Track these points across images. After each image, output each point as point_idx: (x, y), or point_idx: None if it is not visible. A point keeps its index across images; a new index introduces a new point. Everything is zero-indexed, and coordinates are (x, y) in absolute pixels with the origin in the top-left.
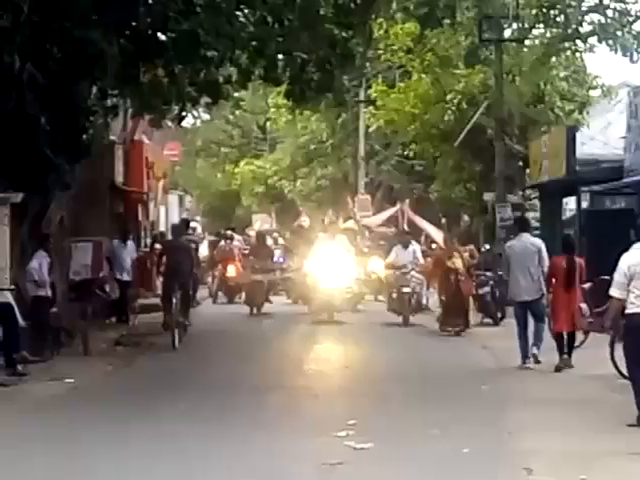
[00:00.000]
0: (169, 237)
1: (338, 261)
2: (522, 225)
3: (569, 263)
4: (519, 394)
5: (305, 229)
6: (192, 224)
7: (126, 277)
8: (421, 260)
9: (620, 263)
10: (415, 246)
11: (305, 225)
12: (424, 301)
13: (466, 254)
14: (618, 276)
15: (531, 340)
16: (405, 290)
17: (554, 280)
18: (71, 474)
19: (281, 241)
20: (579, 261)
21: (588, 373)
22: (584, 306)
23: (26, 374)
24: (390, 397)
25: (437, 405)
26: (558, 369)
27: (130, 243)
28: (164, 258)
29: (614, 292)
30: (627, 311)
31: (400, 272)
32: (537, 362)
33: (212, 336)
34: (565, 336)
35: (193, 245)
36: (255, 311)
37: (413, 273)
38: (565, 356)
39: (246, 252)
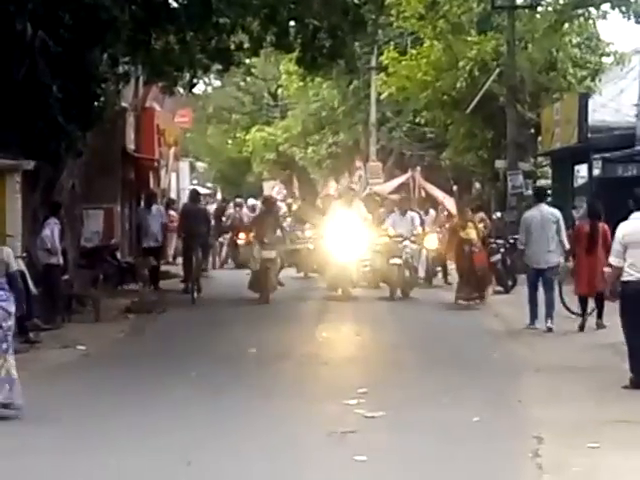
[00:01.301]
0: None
1: (354, 231)
2: (540, 195)
3: (592, 228)
4: (530, 362)
5: (333, 198)
6: (214, 191)
7: (153, 244)
8: (418, 229)
9: (617, 232)
10: (414, 214)
11: (334, 194)
12: (421, 273)
13: (480, 224)
14: (615, 244)
15: (543, 309)
16: (395, 261)
17: (577, 245)
18: (81, 441)
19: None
20: (603, 226)
21: (600, 341)
22: (607, 270)
23: (38, 341)
24: (401, 365)
25: (448, 373)
26: (581, 329)
27: (155, 208)
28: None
29: (612, 260)
30: (622, 279)
31: (392, 241)
32: (550, 330)
33: (223, 303)
34: (592, 302)
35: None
36: (265, 299)
37: (407, 243)
38: (597, 319)
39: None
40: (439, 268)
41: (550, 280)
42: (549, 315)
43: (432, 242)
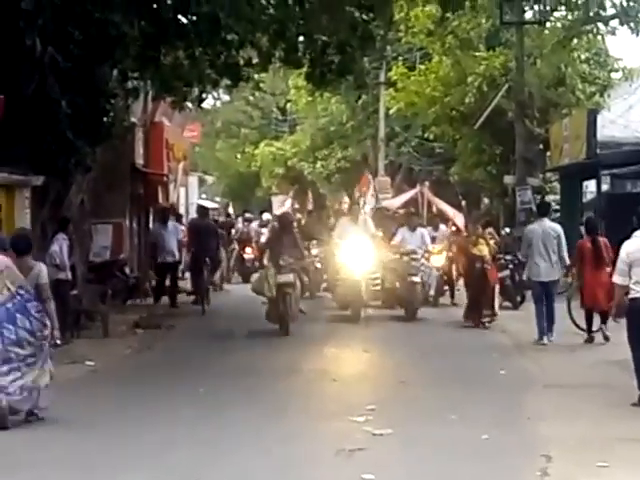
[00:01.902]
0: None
1: (363, 248)
2: (542, 209)
3: (594, 243)
4: (538, 378)
5: (342, 213)
6: (223, 205)
7: (170, 259)
8: (430, 246)
9: (621, 251)
10: (423, 230)
11: (343, 209)
12: (432, 292)
13: (492, 240)
14: (619, 263)
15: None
16: (414, 279)
17: (581, 261)
18: (88, 456)
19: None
20: (603, 240)
21: (608, 357)
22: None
23: None
24: (408, 382)
25: (456, 390)
26: (589, 341)
27: (171, 224)
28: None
29: (616, 279)
30: (629, 296)
31: (408, 258)
32: (550, 341)
33: (231, 318)
34: (598, 314)
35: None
36: (284, 331)
37: (423, 260)
38: (603, 327)
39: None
40: (446, 287)
41: (552, 294)
42: (549, 329)
43: (439, 260)
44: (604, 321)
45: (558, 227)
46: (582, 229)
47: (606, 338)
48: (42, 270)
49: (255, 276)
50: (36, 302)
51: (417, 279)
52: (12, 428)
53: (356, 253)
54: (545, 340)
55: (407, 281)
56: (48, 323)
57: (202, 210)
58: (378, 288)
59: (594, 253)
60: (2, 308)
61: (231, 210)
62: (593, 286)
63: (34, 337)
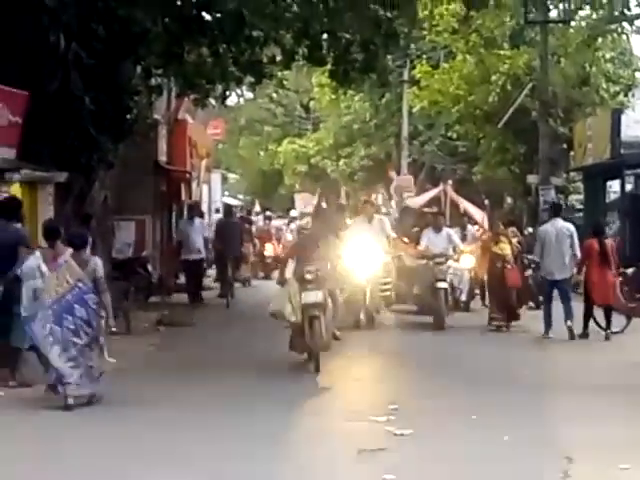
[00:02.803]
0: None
1: (370, 249)
2: (556, 210)
3: (601, 245)
4: (561, 380)
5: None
6: (248, 203)
7: (195, 256)
8: (460, 245)
9: None
10: (450, 230)
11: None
12: (464, 297)
13: (515, 239)
14: None
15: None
16: (440, 285)
17: (588, 260)
18: (108, 454)
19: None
20: (610, 242)
21: (630, 359)
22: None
23: None
24: (430, 382)
25: (478, 391)
26: (585, 336)
27: (198, 221)
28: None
29: None
30: None
31: (433, 262)
32: (572, 337)
33: (253, 315)
34: (603, 311)
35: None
36: (315, 365)
37: (451, 263)
38: (607, 331)
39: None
40: (477, 291)
41: (565, 291)
42: (568, 318)
43: (468, 261)
44: (608, 319)
45: (571, 226)
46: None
47: (607, 338)
48: (97, 264)
49: (275, 294)
50: (93, 294)
51: (443, 285)
52: (75, 410)
53: (363, 255)
54: (551, 334)
55: (432, 288)
56: (103, 314)
57: (228, 208)
58: (388, 293)
59: (601, 254)
60: (62, 300)
61: (258, 208)
62: (600, 284)
63: (91, 327)
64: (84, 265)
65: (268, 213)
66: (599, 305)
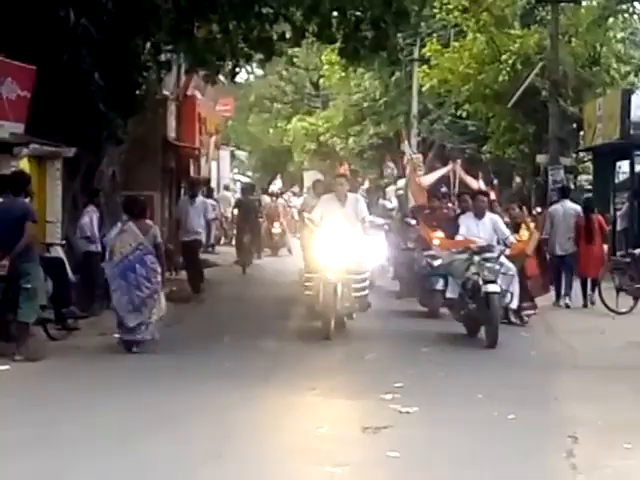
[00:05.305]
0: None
1: (346, 238)
2: (564, 192)
3: (587, 221)
4: (567, 360)
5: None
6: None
7: (191, 237)
8: (511, 237)
9: None
10: (495, 216)
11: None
12: (514, 304)
13: (532, 224)
14: None
15: (563, 288)
16: (492, 288)
17: (578, 235)
18: (113, 428)
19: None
20: (597, 217)
21: (637, 339)
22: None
23: (77, 328)
24: (437, 362)
25: (484, 369)
26: (585, 306)
27: (199, 200)
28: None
29: None
30: None
31: (480, 257)
32: (567, 307)
33: (258, 291)
34: (589, 281)
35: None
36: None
37: (503, 260)
38: (590, 294)
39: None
40: None
41: (569, 265)
42: (567, 294)
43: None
44: (593, 288)
45: (578, 207)
46: (617, 214)
47: (592, 303)
48: (156, 231)
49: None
50: (151, 255)
51: (495, 288)
52: (135, 352)
53: (332, 244)
54: (561, 302)
55: (478, 291)
56: (159, 270)
57: (245, 187)
58: (365, 293)
59: (587, 229)
60: (125, 260)
61: (279, 183)
62: (585, 257)
63: (150, 282)
64: (146, 231)
65: (276, 190)
66: (585, 277)
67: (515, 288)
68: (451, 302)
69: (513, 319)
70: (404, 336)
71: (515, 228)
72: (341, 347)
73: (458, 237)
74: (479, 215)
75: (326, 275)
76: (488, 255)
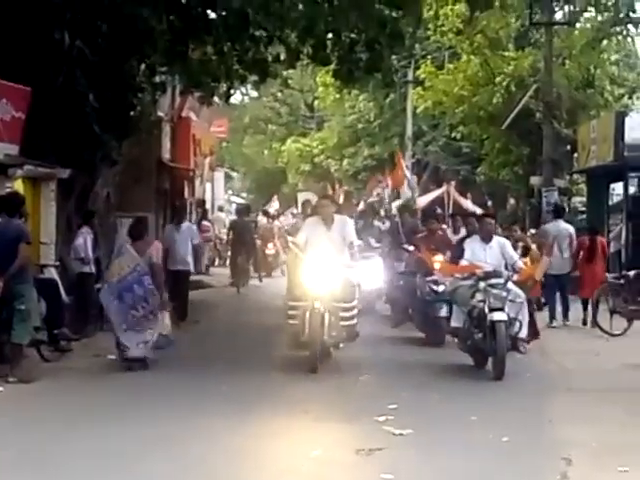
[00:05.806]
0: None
1: (332, 264)
2: (557, 212)
3: (591, 242)
4: (561, 382)
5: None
6: (274, 204)
7: (179, 267)
8: (519, 262)
9: None
10: (503, 240)
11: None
12: (523, 333)
13: (534, 245)
14: None
15: (559, 308)
16: (497, 317)
17: (579, 256)
18: (112, 446)
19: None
20: (600, 240)
21: (631, 361)
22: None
23: (70, 350)
24: (431, 382)
25: (479, 392)
26: (584, 323)
27: (186, 226)
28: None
29: None
30: None
31: (486, 284)
32: (566, 325)
33: (257, 314)
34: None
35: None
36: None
37: (511, 286)
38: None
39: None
40: None
41: (564, 285)
42: (565, 315)
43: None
44: (586, 308)
45: (571, 227)
46: (610, 236)
47: (584, 324)
48: (153, 251)
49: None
50: (148, 276)
51: (502, 316)
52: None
53: (317, 270)
54: (555, 323)
55: (483, 320)
56: (157, 293)
57: (240, 208)
58: (353, 322)
59: (590, 249)
60: (123, 280)
61: (276, 205)
62: (587, 278)
63: (147, 302)
64: (143, 253)
65: (272, 211)
66: (585, 297)
67: (524, 316)
68: (456, 331)
69: (522, 349)
70: (400, 365)
71: (523, 252)
72: (331, 374)
73: (463, 262)
74: (486, 239)
75: (313, 303)
76: (494, 281)
